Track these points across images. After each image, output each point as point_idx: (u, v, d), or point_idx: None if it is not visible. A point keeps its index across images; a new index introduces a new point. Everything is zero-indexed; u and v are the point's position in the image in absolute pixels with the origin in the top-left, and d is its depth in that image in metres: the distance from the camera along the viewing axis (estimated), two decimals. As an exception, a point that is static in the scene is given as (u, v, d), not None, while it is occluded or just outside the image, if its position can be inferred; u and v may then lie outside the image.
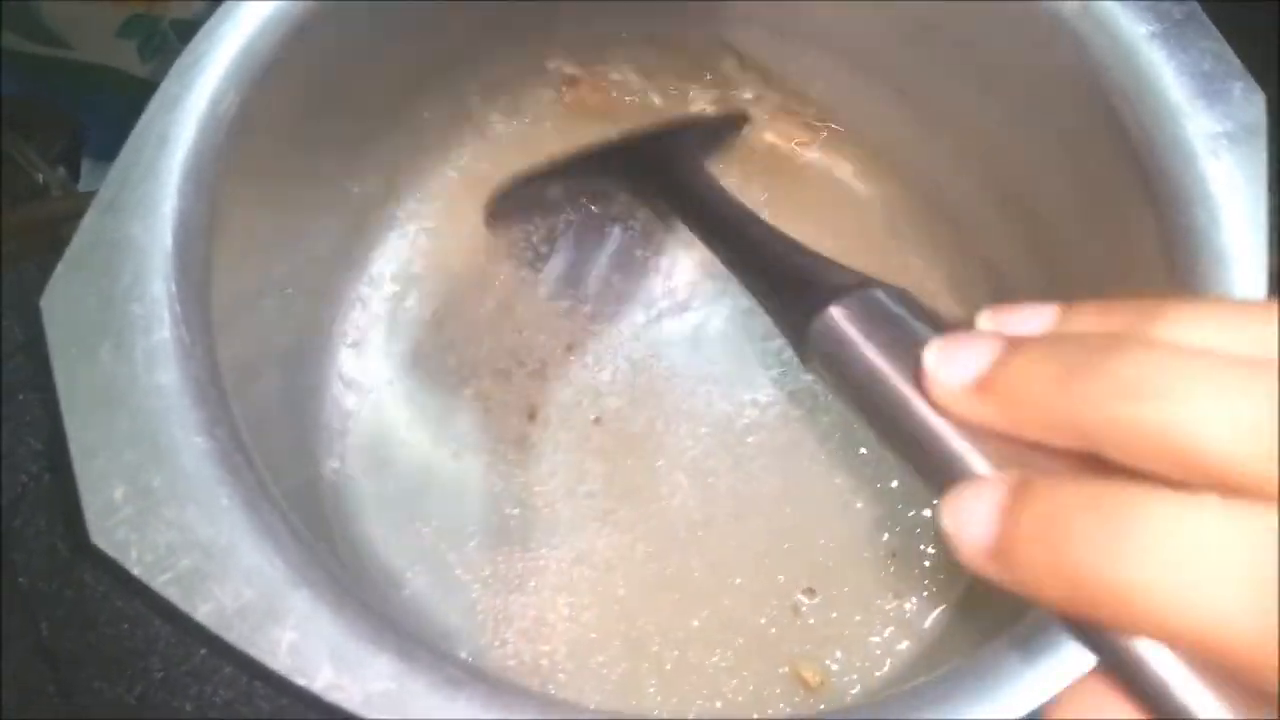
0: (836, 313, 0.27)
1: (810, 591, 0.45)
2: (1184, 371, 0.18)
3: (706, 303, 0.51)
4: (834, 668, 0.44)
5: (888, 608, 0.45)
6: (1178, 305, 0.20)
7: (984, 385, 0.21)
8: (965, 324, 0.24)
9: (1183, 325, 0.19)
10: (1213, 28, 0.38)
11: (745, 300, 0.43)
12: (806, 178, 0.53)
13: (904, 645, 0.44)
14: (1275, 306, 0.19)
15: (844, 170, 0.53)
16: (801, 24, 0.49)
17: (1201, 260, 0.36)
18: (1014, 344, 0.21)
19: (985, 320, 0.23)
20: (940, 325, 0.25)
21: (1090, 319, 0.21)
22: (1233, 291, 0.35)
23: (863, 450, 0.48)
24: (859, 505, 0.47)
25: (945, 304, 0.51)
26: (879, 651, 0.44)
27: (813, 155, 0.54)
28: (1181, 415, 0.17)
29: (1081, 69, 0.39)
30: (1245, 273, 0.36)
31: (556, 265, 0.51)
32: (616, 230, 0.52)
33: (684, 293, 0.51)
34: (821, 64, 0.51)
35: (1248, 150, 0.37)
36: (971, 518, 0.20)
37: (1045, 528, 0.19)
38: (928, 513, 0.46)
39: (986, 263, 0.50)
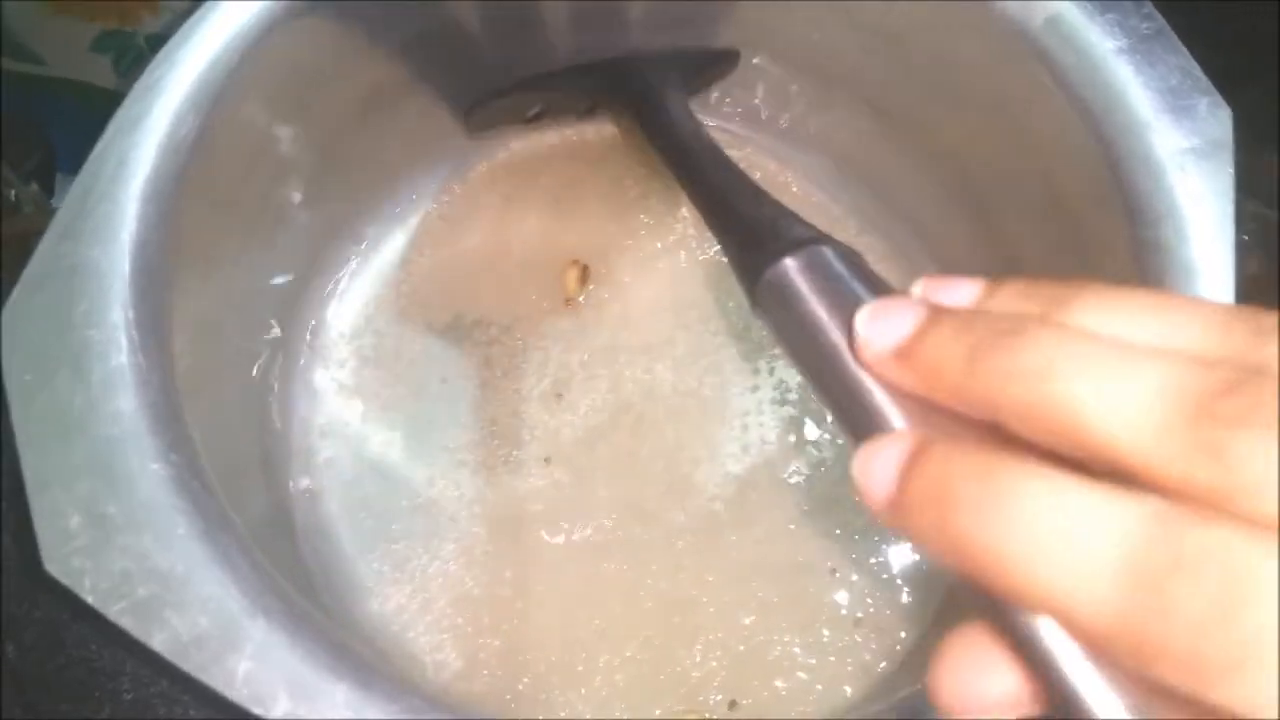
0: (789, 264, 0.28)
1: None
2: (1081, 353, 0.19)
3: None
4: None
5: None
6: (1094, 291, 0.20)
7: (903, 352, 0.22)
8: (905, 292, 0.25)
9: (1093, 311, 0.20)
10: (1180, 44, 0.38)
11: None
12: (775, 186, 0.53)
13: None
14: (1185, 299, 0.20)
15: (812, 179, 0.54)
16: (776, 38, 0.50)
17: (1169, 274, 0.36)
18: (934, 315, 0.22)
19: (918, 288, 0.24)
20: (882, 289, 0.26)
21: (1012, 298, 0.22)
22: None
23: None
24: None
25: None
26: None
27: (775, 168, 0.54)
28: (1070, 394, 0.18)
29: (1050, 83, 0.39)
30: (1212, 286, 0.36)
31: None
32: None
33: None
34: (791, 75, 0.51)
35: (1214, 165, 0.37)
36: (877, 469, 0.21)
37: (935, 489, 0.20)
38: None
39: (947, 270, 0.49)
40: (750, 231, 0.33)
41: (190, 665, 0.29)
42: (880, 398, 0.23)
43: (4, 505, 0.47)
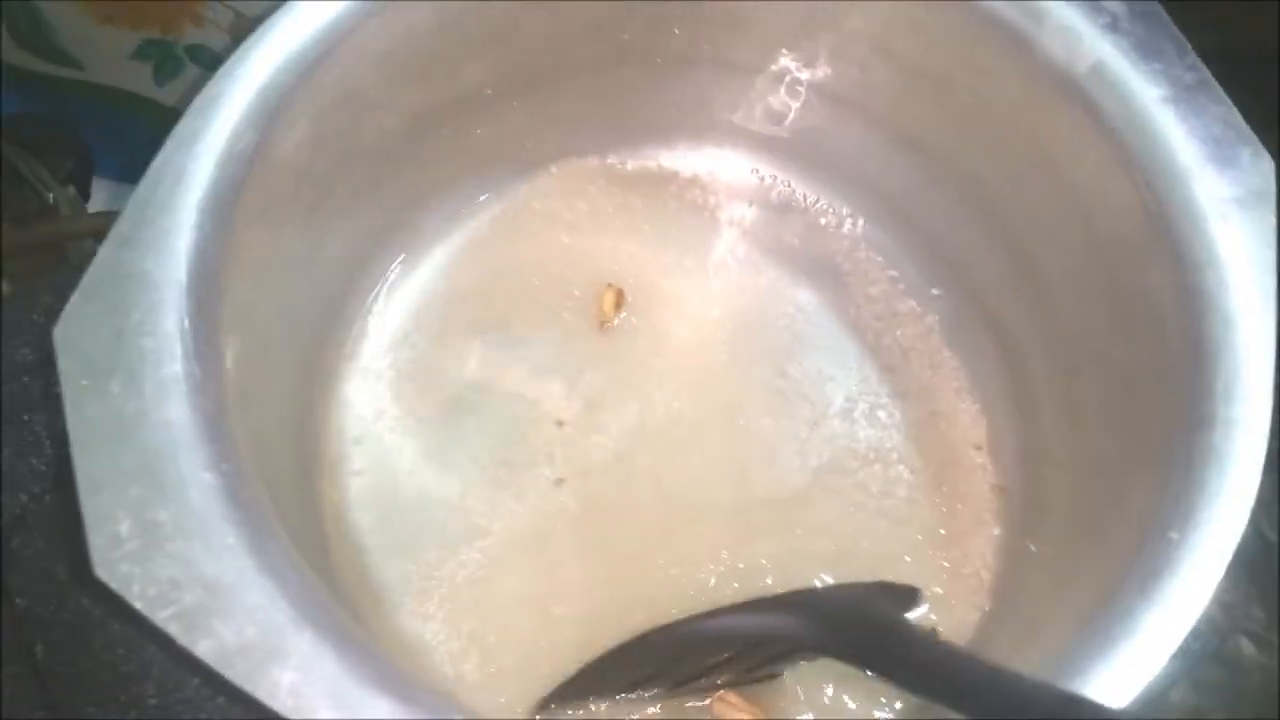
0: None
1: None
2: None
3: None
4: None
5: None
6: None
7: None
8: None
9: None
10: (1223, 94, 0.39)
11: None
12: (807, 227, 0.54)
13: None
14: None
15: (850, 225, 0.54)
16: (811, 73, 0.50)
17: (1208, 322, 0.36)
18: None
19: None
20: None
21: None
22: (1238, 354, 0.35)
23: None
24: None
25: (945, 353, 0.52)
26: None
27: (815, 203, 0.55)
28: None
29: (1093, 130, 0.40)
30: (1252, 336, 0.36)
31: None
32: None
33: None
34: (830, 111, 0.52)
35: (1256, 214, 0.37)
36: None
37: None
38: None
39: (987, 312, 0.50)
40: None
41: (235, 674, 0.29)
42: None
43: (32, 505, 0.47)
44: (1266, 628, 0.51)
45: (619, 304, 0.51)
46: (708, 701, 0.42)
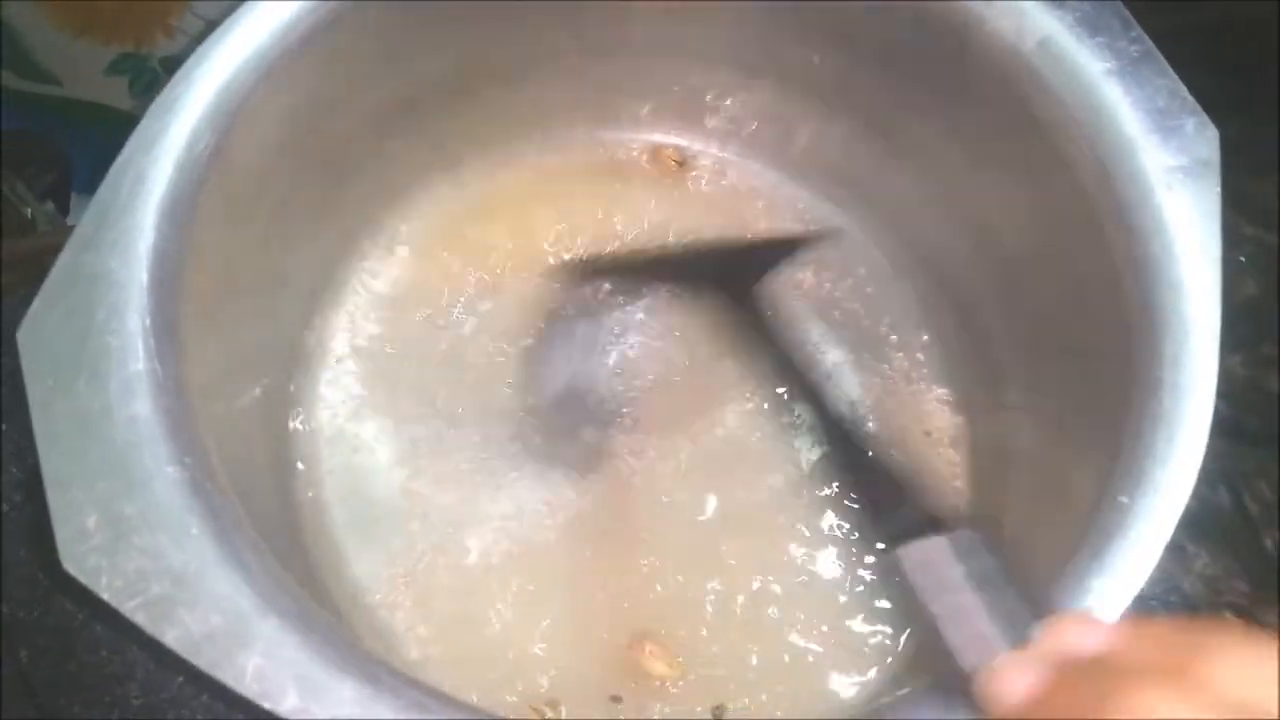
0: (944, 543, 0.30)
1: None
2: None
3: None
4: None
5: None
6: (1227, 651, 0.22)
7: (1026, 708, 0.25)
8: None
9: (1223, 671, 0.22)
10: (1167, 65, 0.39)
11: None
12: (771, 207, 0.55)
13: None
14: None
15: (813, 203, 0.55)
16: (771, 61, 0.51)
17: (1158, 290, 0.37)
18: (1056, 679, 0.25)
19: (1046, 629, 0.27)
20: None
21: (1145, 646, 0.24)
22: (1186, 321, 0.36)
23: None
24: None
25: (914, 321, 0.53)
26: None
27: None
28: None
29: (1041, 104, 0.41)
30: (1200, 303, 0.36)
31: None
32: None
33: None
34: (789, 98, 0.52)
35: (1202, 184, 0.38)
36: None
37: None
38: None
39: (949, 284, 0.51)
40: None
41: (202, 661, 0.30)
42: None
43: (13, 513, 0.48)
44: (1250, 601, 0.51)
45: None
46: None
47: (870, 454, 0.38)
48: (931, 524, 0.31)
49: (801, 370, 0.43)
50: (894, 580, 0.32)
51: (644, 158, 0.56)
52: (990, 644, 0.27)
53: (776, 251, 0.50)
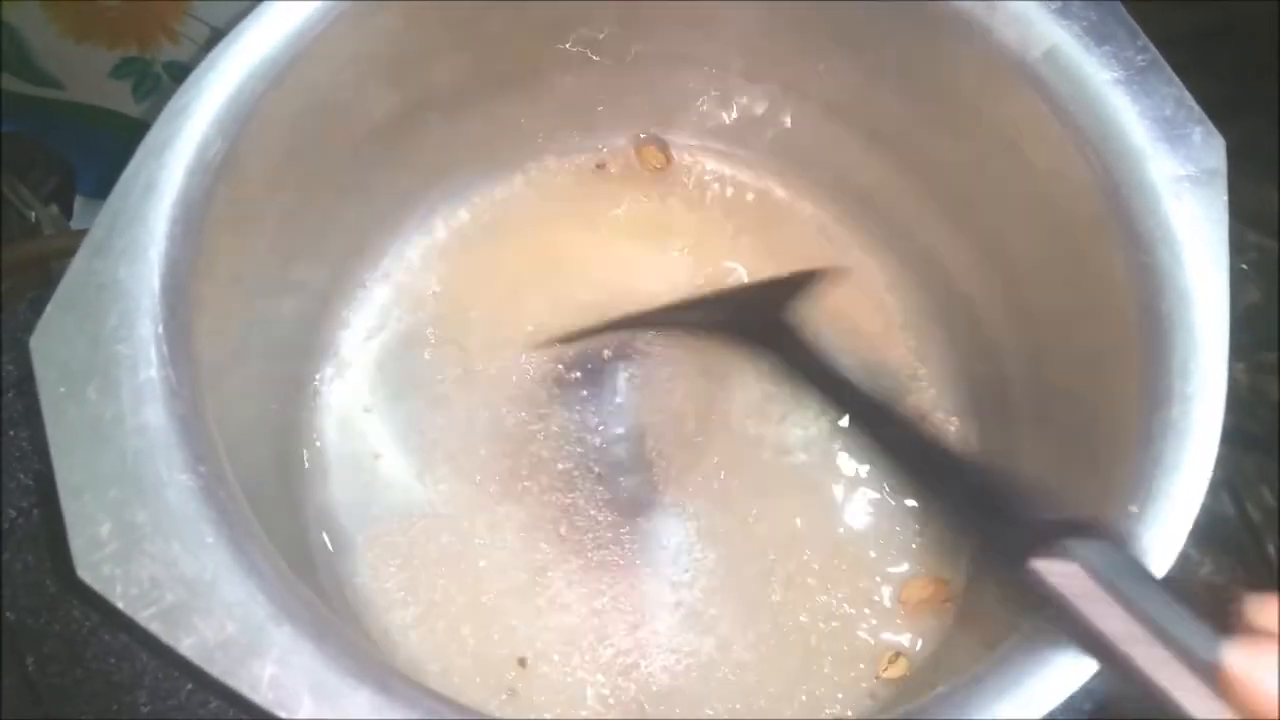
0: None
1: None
2: None
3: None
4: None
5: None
6: None
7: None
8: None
9: None
10: (1173, 75, 0.39)
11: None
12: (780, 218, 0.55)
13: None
14: None
15: (819, 214, 0.55)
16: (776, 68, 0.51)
17: (1165, 299, 0.37)
18: None
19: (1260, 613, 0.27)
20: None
21: None
22: (1194, 330, 0.36)
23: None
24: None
25: (916, 331, 0.53)
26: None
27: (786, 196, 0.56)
28: None
29: (1048, 114, 0.41)
30: (1207, 312, 0.37)
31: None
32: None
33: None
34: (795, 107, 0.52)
35: (1209, 192, 0.38)
36: None
37: None
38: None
39: (957, 295, 0.51)
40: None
41: (217, 669, 0.30)
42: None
43: (20, 520, 0.48)
44: (1252, 606, 0.51)
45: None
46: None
47: (967, 464, 0.37)
48: (1057, 528, 0.30)
49: (862, 392, 0.43)
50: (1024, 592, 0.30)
51: (648, 164, 0.56)
52: (1184, 654, 0.26)
53: (786, 289, 0.49)
